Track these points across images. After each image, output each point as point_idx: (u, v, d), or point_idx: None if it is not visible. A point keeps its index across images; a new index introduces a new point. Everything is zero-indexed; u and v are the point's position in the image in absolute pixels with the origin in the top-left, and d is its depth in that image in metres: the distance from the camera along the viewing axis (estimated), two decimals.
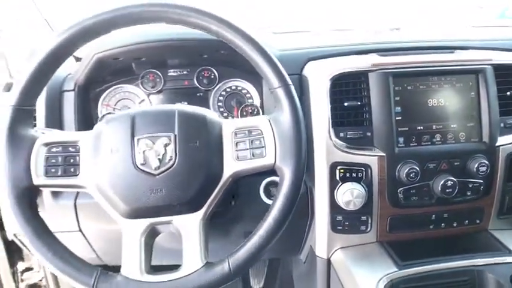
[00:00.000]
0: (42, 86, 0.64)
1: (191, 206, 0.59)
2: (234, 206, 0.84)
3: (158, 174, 0.58)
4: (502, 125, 0.85)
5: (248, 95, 0.98)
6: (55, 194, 0.84)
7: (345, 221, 0.84)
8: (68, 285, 1.11)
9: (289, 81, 0.63)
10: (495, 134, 0.83)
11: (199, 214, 0.59)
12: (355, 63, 0.82)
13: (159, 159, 0.58)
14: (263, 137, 0.61)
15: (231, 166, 0.61)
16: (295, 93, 0.63)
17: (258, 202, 0.87)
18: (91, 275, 0.56)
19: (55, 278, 1.14)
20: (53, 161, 0.59)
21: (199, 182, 0.59)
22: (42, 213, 0.82)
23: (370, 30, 1.16)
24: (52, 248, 0.58)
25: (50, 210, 0.84)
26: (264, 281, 1.38)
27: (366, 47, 0.90)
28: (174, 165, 0.59)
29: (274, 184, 0.88)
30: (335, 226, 0.85)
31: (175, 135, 0.60)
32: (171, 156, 0.59)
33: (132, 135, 0.60)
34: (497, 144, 0.83)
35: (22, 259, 1.20)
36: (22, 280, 1.20)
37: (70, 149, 0.60)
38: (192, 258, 0.57)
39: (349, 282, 0.80)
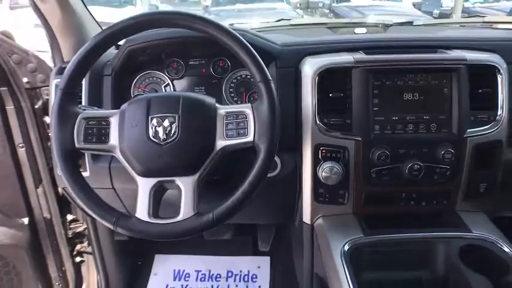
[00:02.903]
0: (84, 73, 0.84)
1: (189, 170, 0.77)
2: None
3: (165, 144, 0.77)
4: (472, 118, 0.96)
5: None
6: (95, 158, 1.05)
7: (325, 193, 1.00)
8: (105, 232, 1.36)
9: (270, 77, 0.79)
10: (464, 126, 0.94)
11: (195, 176, 0.77)
12: (340, 60, 0.95)
13: (166, 133, 0.77)
14: (247, 121, 0.78)
15: (221, 142, 0.78)
16: (273, 87, 0.79)
17: None
18: (113, 216, 0.77)
19: (95, 227, 1.37)
20: (90, 131, 0.79)
21: (195, 152, 0.77)
22: (85, 173, 1.05)
23: (368, 25, 1.28)
24: (87, 195, 0.78)
25: (91, 171, 1.06)
26: (271, 245, 1.57)
27: (354, 45, 1.02)
28: (177, 139, 0.77)
29: None
30: (317, 197, 1.00)
31: (179, 116, 0.78)
32: (175, 132, 0.77)
33: (147, 114, 0.79)
34: (465, 135, 0.94)
35: (70, 212, 1.44)
36: (70, 229, 1.46)
37: (102, 122, 0.80)
38: (187, 209, 0.76)
39: (324, 244, 0.96)
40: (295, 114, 1.01)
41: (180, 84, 1.15)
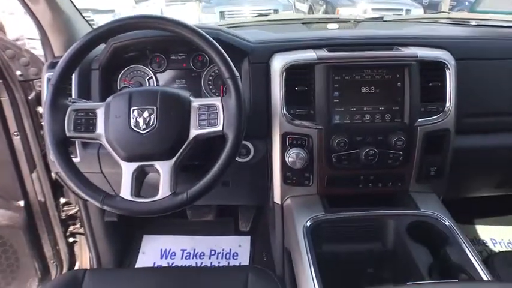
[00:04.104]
0: (73, 70, 0.93)
1: (166, 155, 0.88)
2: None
3: (145, 133, 0.88)
4: (422, 109, 1.07)
5: None
6: (84, 146, 1.15)
7: (293, 176, 1.11)
8: (95, 214, 1.47)
9: (236, 74, 0.89)
10: (415, 116, 1.06)
11: (172, 161, 0.88)
12: (304, 57, 1.06)
13: (146, 123, 0.88)
14: (217, 112, 0.89)
15: (194, 131, 0.89)
16: (239, 83, 0.89)
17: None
18: (100, 195, 0.88)
19: (86, 210, 1.48)
20: (79, 121, 0.89)
21: (172, 140, 0.88)
22: (76, 159, 1.15)
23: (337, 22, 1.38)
24: (77, 177, 0.89)
25: (81, 157, 1.16)
26: (251, 225, 1.70)
27: (319, 42, 1.12)
28: (156, 128, 0.88)
29: (244, 147, 1.16)
30: (285, 180, 1.12)
31: (157, 108, 0.89)
32: (153, 122, 0.88)
33: (129, 106, 0.89)
34: (416, 124, 1.06)
35: (63, 195, 1.54)
36: (63, 211, 1.56)
37: (90, 114, 0.90)
38: (164, 189, 0.87)
39: (290, 221, 1.07)
40: (266, 106, 1.12)
41: (163, 78, 1.23)
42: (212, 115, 0.89)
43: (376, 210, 1.05)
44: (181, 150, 0.89)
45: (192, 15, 7.36)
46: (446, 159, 1.12)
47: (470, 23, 1.52)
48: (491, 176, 1.33)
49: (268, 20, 1.55)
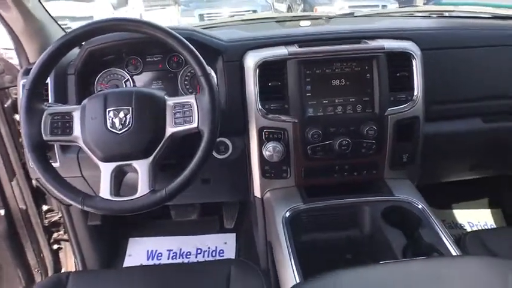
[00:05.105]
0: (48, 74, 0.94)
1: (143, 154, 0.90)
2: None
3: (121, 133, 0.89)
4: (392, 98, 1.11)
5: None
6: (64, 150, 1.15)
7: (271, 170, 1.14)
8: (79, 219, 1.48)
9: (209, 71, 0.92)
10: (385, 106, 1.10)
11: (149, 159, 0.90)
12: (276, 53, 1.09)
13: (122, 123, 0.89)
14: (192, 110, 0.91)
15: (170, 128, 0.91)
16: (212, 80, 0.92)
17: (211, 156, 1.17)
18: (79, 196, 0.89)
19: (69, 215, 1.48)
20: (55, 125, 0.90)
21: (148, 138, 0.90)
22: (55, 164, 1.15)
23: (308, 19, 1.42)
24: (56, 180, 0.90)
25: (61, 162, 1.16)
26: (235, 222, 1.72)
27: (291, 38, 1.16)
28: (132, 128, 0.89)
29: (222, 143, 1.18)
30: (264, 173, 1.15)
31: (132, 108, 0.90)
32: (129, 122, 0.89)
33: (105, 108, 0.90)
34: (386, 113, 1.10)
35: (45, 203, 1.54)
36: (46, 218, 1.56)
37: (66, 117, 0.92)
38: (143, 187, 0.88)
39: (270, 213, 1.10)
40: (242, 102, 1.14)
41: (140, 80, 1.24)
42: (187, 112, 0.91)
43: (352, 198, 1.08)
44: (158, 148, 0.91)
45: (172, 19, 7.35)
46: (418, 146, 1.16)
47: (437, 15, 1.57)
48: (464, 160, 1.38)
49: (243, 20, 1.58)
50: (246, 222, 1.70)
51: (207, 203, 1.67)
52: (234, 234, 1.74)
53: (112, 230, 1.69)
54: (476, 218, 1.81)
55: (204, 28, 1.33)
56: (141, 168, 0.90)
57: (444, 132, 1.23)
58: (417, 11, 1.60)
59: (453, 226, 1.78)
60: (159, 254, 1.68)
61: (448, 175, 1.46)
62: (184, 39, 0.92)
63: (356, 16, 1.59)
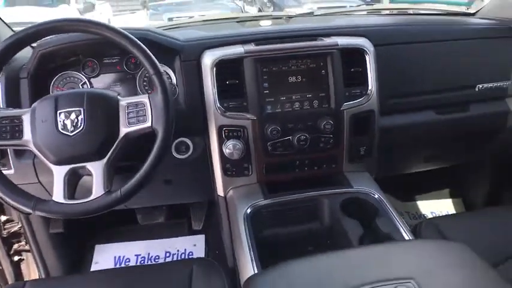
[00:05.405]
0: None
1: (97, 155, 0.89)
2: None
3: (73, 135, 0.88)
4: (347, 93, 1.14)
5: (167, 76, 1.26)
6: (18, 156, 1.12)
7: (232, 168, 1.15)
8: (40, 227, 1.43)
9: (161, 70, 0.91)
10: (340, 101, 1.12)
11: (103, 161, 0.89)
12: (233, 52, 1.09)
13: (73, 125, 0.88)
14: (145, 109, 0.90)
15: (124, 129, 0.90)
16: (164, 79, 0.91)
17: (171, 157, 1.17)
18: (31, 201, 0.87)
19: (30, 224, 1.44)
20: (4, 129, 0.88)
21: (101, 140, 0.89)
22: (10, 171, 1.12)
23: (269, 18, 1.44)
24: (5, 185, 0.87)
25: (15, 168, 1.12)
26: (203, 223, 1.72)
27: (248, 37, 1.17)
28: (84, 129, 0.88)
29: (182, 143, 1.18)
30: (226, 172, 1.15)
31: (84, 109, 0.89)
32: (81, 123, 0.88)
33: (56, 110, 0.89)
34: (342, 108, 1.13)
35: (4, 213, 1.50)
36: (5, 229, 1.51)
37: (15, 120, 0.89)
38: (98, 189, 0.87)
39: (233, 210, 1.11)
40: (201, 101, 1.14)
41: (97, 82, 1.22)
42: (140, 112, 0.91)
43: (311, 192, 1.10)
44: (112, 149, 0.90)
45: (141, 23, 7.26)
46: (374, 139, 1.19)
47: (392, 13, 1.63)
48: (419, 152, 1.43)
49: (204, 20, 1.58)
50: (214, 223, 1.70)
51: (173, 205, 1.65)
52: (203, 235, 1.73)
53: (77, 237, 1.65)
54: (438, 208, 1.88)
55: (165, 29, 1.32)
56: (95, 170, 0.88)
57: (399, 125, 1.27)
58: (373, 9, 1.65)
59: (416, 217, 1.84)
60: (127, 260, 1.66)
61: (405, 167, 1.51)
62: (135, 39, 0.91)
63: (315, 15, 1.62)
